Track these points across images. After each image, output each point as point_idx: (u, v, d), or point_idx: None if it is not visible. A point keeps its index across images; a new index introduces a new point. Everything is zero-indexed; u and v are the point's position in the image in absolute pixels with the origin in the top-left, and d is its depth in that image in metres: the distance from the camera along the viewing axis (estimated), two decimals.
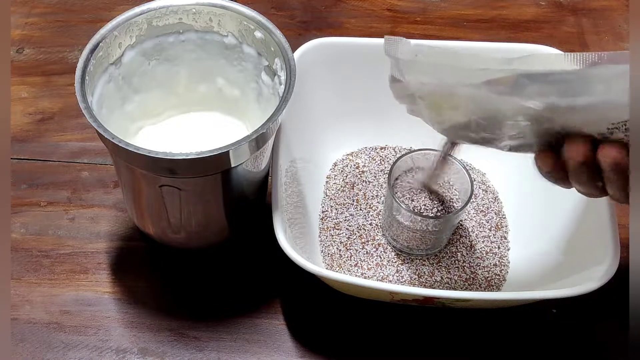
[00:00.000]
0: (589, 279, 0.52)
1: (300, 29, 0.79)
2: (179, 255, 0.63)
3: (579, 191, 0.48)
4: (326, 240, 0.63)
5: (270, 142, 0.57)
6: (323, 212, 0.65)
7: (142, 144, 0.57)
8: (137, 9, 0.57)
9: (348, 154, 0.68)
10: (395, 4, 0.82)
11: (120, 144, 0.50)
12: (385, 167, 0.67)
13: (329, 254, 0.62)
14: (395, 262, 0.62)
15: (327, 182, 0.67)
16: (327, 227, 0.64)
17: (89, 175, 0.68)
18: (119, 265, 0.63)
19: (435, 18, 0.81)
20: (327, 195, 0.66)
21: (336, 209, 0.65)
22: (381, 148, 0.69)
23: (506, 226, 0.65)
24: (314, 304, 0.61)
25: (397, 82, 0.49)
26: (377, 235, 0.63)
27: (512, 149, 0.49)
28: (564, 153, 0.46)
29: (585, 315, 0.60)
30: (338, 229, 0.64)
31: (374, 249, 0.63)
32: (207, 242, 0.62)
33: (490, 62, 0.45)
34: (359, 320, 0.60)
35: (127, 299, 0.61)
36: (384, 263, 0.62)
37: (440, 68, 0.47)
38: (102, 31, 0.55)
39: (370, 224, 0.64)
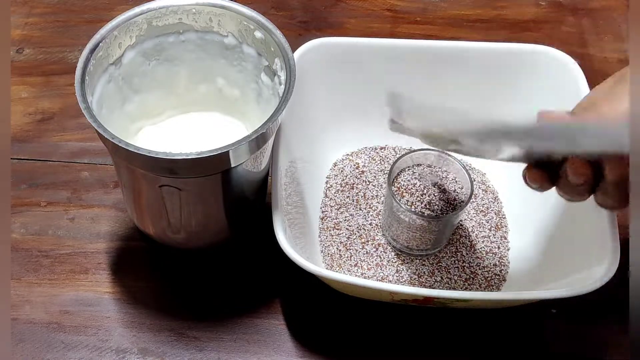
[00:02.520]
0: (589, 279, 0.52)
1: (300, 29, 0.79)
2: (179, 255, 0.63)
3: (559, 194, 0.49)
4: (326, 240, 0.63)
5: (270, 142, 0.57)
6: (323, 212, 0.65)
7: (142, 144, 0.57)
8: (137, 9, 0.57)
9: (348, 154, 0.68)
10: (395, 4, 0.82)
11: (120, 144, 0.50)
12: (385, 167, 0.67)
13: (329, 254, 0.62)
14: (395, 262, 0.62)
15: (327, 182, 0.67)
16: (327, 227, 0.64)
17: (89, 175, 0.68)
18: (119, 265, 0.63)
19: (435, 18, 0.81)
20: (327, 196, 0.66)
21: (336, 209, 0.65)
22: (381, 148, 0.69)
23: (506, 226, 0.65)
24: (314, 304, 0.60)
25: (396, 123, 0.54)
26: (377, 235, 0.63)
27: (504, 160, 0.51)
28: (565, 174, 0.47)
29: (585, 315, 0.60)
30: (338, 229, 0.64)
31: (374, 249, 0.63)
32: (207, 242, 0.62)
33: (467, 122, 0.50)
34: (359, 320, 0.60)
35: (127, 299, 0.61)
36: (384, 263, 0.62)
37: (435, 120, 0.53)
38: (102, 31, 0.55)
39: (370, 224, 0.64)
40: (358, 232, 0.64)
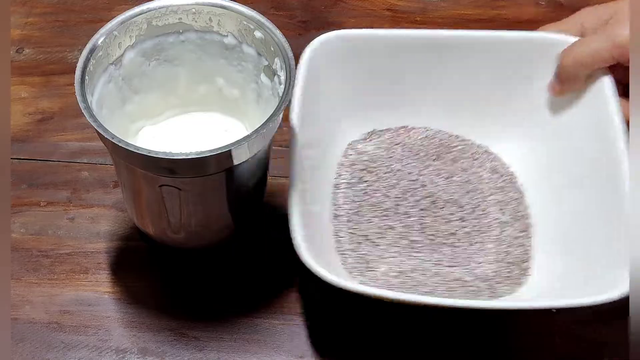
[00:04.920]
0: (612, 286, 0.50)
1: (300, 29, 0.79)
2: (179, 255, 0.63)
3: None
4: (345, 244, 0.61)
5: (270, 142, 0.57)
6: (341, 211, 0.62)
7: (142, 144, 0.57)
8: (137, 9, 0.57)
9: (362, 144, 0.66)
10: (395, 3, 0.82)
11: (120, 144, 0.50)
12: (401, 155, 0.65)
13: (349, 260, 0.60)
14: (418, 260, 0.60)
15: (342, 177, 0.64)
16: (346, 229, 0.61)
17: (89, 175, 0.68)
18: (119, 265, 0.63)
19: (435, 18, 0.81)
20: (343, 192, 0.63)
21: (355, 207, 0.63)
22: (398, 135, 0.67)
23: (530, 227, 0.62)
24: (313, 304, 0.60)
25: None
26: (401, 236, 0.61)
27: None
28: None
29: (585, 315, 0.60)
30: (357, 229, 0.61)
31: (398, 252, 0.60)
32: (207, 242, 0.62)
33: None
34: (359, 319, 0.60)
35: (127, 299, 0.61)
36: (406, 261, 0.60)
37: None
38: (102, 31, 0.55)
39: (393, 221, 0.62)
40: (381, 231, 0.61)
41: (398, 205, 0.63)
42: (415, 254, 0.61)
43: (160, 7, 0.57)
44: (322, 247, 0.57)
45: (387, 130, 0.67)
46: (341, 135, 0.66)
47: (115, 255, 0.63)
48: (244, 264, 0.63)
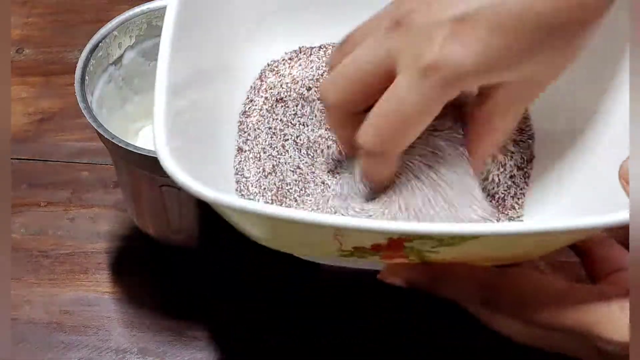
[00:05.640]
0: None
1: None
2: (179, 255, 0.63)
3: None
4: (251, 189, 0.48)
5: None
6: (246, 151, 0.49)
7: (142, 144, 0.57)
8: (137, 9, 0.57)
9: (286, 67, 0.52)
10: None
11: (120, 144, 0.50)
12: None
13: (252, 196, 0.48)
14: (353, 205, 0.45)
15: (254, 103, 0.51)
16: (254, 173, 0.48)
17: (89, 175, 0.68)
18: (119, 265, 0.63)
19: None
20: (250, 127, 0.49)
21: (265, 146, 0.49)
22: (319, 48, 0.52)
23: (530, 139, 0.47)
24: (313, 303, 0.60)
25: None
26: (323, 181, 0.47)
27: None
28: None
29: None
30: (270, 174, 0.48)
31: (320, 197, 0.47)
32: (206, 242, 0.62)
33: None
34: (359, 315, 0.60)
35: (127, 299, 0.61)
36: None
37: None
38: (102, 31, 0.55)
39: (314, 164, 0.48)
40: (297, 176, 0.48)
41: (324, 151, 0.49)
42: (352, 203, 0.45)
43: (160, 7, 0.57)
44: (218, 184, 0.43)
45: (321, 47, 0.52)
46: (255, 57, 0.51)
47: (115, 255, 0.63)
48: (244, 264, 0.63)
